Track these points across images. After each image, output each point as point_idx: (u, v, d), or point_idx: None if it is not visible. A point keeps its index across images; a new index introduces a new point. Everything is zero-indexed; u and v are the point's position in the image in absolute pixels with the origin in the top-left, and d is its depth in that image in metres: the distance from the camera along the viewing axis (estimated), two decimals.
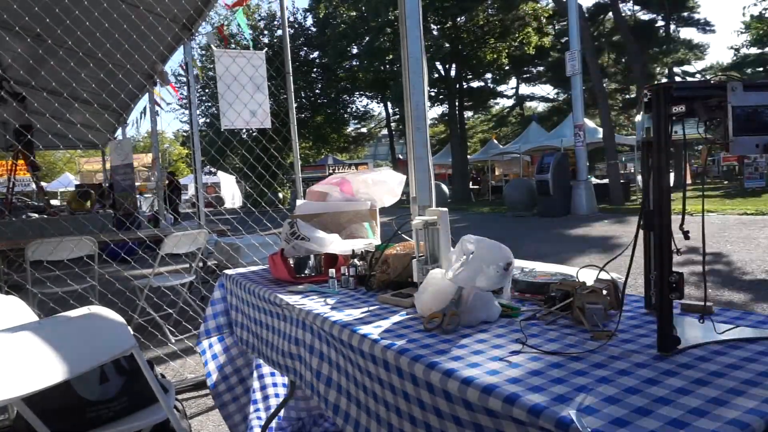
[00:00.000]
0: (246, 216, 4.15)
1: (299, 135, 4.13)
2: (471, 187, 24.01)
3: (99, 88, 4.52)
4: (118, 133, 8.55)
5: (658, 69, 23.91)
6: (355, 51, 25.98)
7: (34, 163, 8.53)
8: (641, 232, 1.08)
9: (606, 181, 15.91)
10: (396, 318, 1.31)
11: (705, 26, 24.63)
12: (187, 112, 24.57)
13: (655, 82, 1.01)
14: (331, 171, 23.45)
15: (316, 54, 27.56)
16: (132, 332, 1.48)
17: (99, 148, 11.28)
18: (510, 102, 33.26)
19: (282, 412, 2.27)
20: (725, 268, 5.49)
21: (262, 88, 3.84)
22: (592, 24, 22.50)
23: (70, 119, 6.19)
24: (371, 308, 1.41)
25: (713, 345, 0.98)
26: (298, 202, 2.11)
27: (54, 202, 17.39)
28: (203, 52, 21.90)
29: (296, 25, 26.32)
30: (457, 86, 24.56)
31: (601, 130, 16.17)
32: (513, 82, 31.11)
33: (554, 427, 0.73)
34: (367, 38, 23.80)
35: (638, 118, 1.11)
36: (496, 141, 25.30)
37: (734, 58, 27.22)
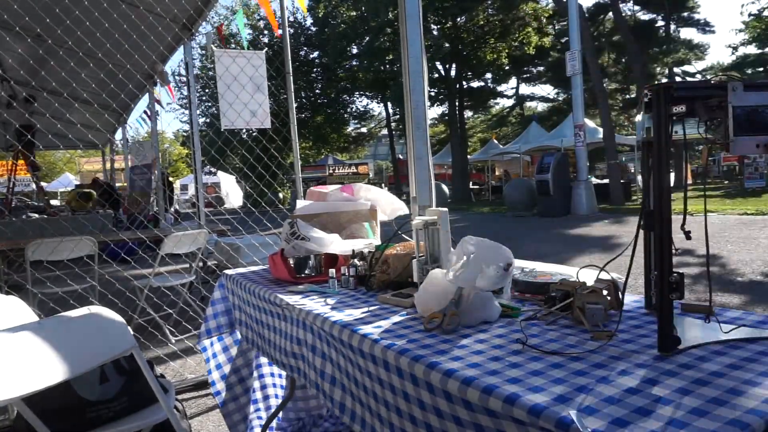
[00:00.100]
0: (246, 216, 4.15)
1: (299, 135, 4.13)
2: (471, 186, 24.01)
3: (99, 88, 4.52)
4: (118, 133, 8.56)
5: (658, 69, 23.94)
6: (355, 51, 25.98)
7: (34, 163, 8.54)
8: (641, 232, 1.07)
9: (606, 181, 15.91)
10: (396, 318, 1.30)
11: (705, 26, 24.66)
12: (187, 112, 24.58)
13: (656, 82, 1.00)
14: (331, 171, 23.48)
15: (316, 54, 27.58)
16: (132, 332, 1.48)
17: (99, 148, 11.28)
18: (510, 102, 33.34)
19: (281, 413, 2.27)
20: (725, 269, 5.49)
21: (262, 88, 3.84)
22: (592, 24, 22.50)
23: (70, 119, 6.20)
24: (371, 308, 1.41)
25: (713, 345, 0.98)
26: (298, 202, 2.11)
27: (54, 202, 17.36)
28: (203, 52, 21.89)
29: (296, 25, 26.32)
30: (457, 86, 24.55)
31: (601, 130, 16.16)
32: (513, 82, 31.17)
33: (554, 427, 0.73)
34: (367, 38, 23.80)
35: (638, 118, 1.10)
36: (496, 141, 25.29)
37: (733, 57, 27.26)
